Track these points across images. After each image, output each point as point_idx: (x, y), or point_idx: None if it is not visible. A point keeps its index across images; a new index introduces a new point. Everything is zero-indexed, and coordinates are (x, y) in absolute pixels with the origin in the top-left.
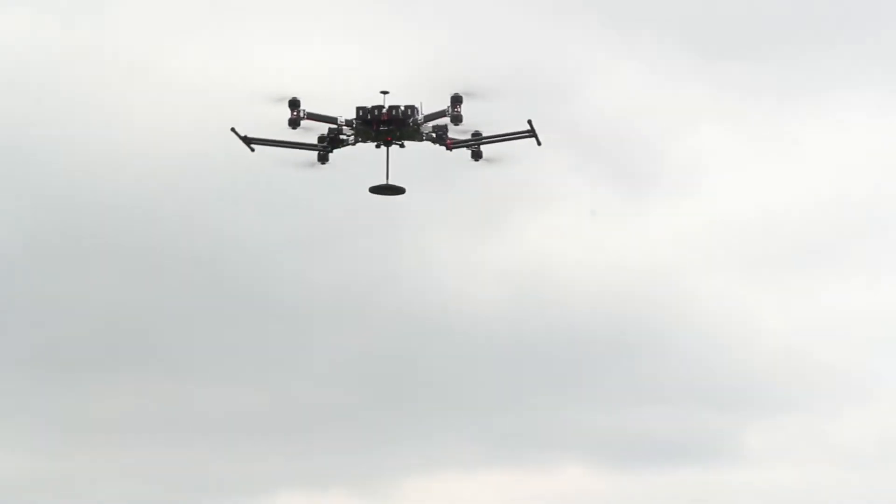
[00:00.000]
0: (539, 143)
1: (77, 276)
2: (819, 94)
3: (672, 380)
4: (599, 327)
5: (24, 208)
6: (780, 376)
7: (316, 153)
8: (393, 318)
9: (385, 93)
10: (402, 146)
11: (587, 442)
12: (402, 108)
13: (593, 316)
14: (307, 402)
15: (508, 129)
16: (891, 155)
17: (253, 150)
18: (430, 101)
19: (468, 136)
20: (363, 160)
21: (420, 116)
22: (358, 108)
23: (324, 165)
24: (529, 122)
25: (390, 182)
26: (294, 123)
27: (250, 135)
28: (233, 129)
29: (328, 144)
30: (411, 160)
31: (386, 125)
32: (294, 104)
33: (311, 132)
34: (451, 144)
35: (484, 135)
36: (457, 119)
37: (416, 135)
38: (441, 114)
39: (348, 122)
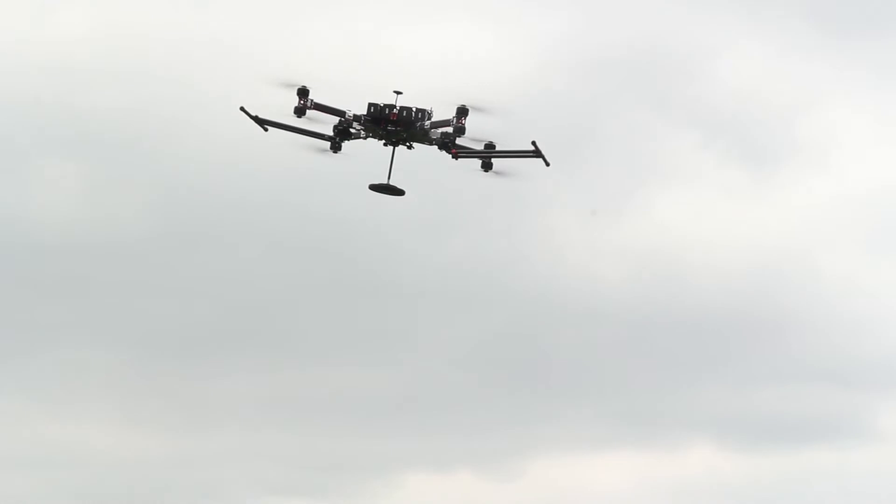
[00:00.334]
0: (547, 164)
1: (203, 261)
2: None
3: (803, 358)
4: (727, 306)
5: (147, 196)
6: None
7: (329, 141)
8: (519, 299)
9: (398, 93)
10: (409, 147)
11: (717, 422)
12: (414, 111)
13: (721, 295)
14: (433, 383)
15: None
16: None
17: (266, 129)
18: (559, 81)
19: (481, 147)
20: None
21: (428, 122)
22: (370, 105)
23: (335, 154)
24: (533, 143)
25: (391, 182)
26: (300, 112)
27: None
28: (242, 109)
29: (338, 136)
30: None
31: (394, 125)
32: (303, 93)
33: (318, 123)
34: (457, 153)
35: (497, 148)
36: (460, 131)
37: (423, 138)
38: (447, 122)
39: (357, 118)
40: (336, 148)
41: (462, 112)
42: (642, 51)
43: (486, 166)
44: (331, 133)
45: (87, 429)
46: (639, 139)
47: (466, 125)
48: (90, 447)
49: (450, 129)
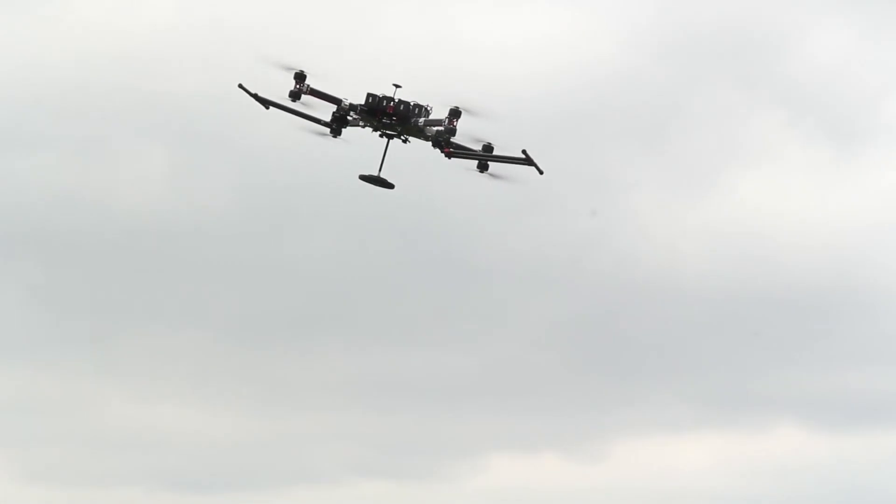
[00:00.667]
0: (541, 172)
1: (288, 245)
2: None
3: (890, 338)
4: (813, 286)
5: (232, 180)
6: None
7: (327, 127)
8: (603, 281)
9: (398, 86)
10: (405, 141)
11: (803, 402)
12: (411, 105)
13: (807, 274)
14: (518, 366)
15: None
16: None
17: (267, 108)
18: (644, 60)
19: (479, 148)
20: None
21: (422, 119)
22: (368, 95)
23: (335, 139)
24: (524, 151)
25: (381, 175)
26: (295, 96)
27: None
28: (240, 86)
29: (336, 123)
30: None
31: (389, 118)
32: (300, 77)
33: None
34: (450, 153)
35: (495, 151)
36: (451, 132)
37: (417, 133)
38: (439, 122)
39: (353, 107)
40: (336, 133)
41: (455, 114)
42: (728, 29)
43: (482, 167)
44: (328, 119)
45: (174, 410)
46: (724, 118)
47: (458, 127)
48: (177, 429)
49: (442, 128)
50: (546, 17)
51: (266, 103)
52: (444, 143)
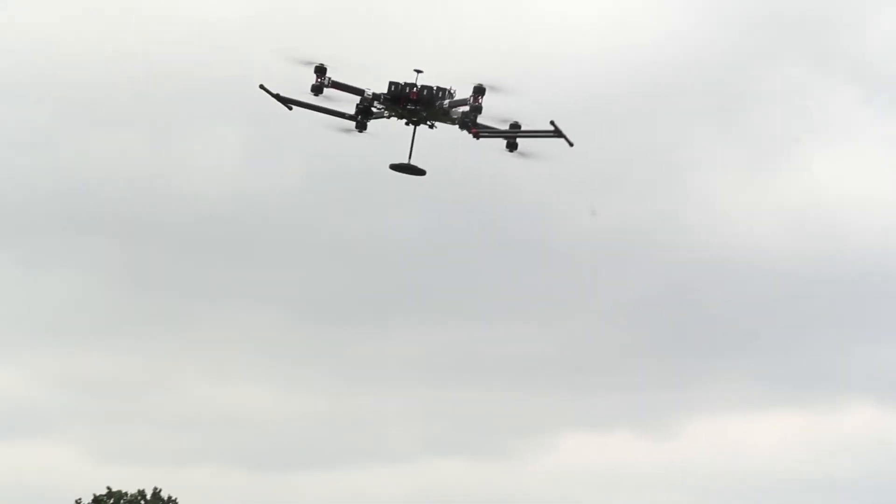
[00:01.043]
0: (571, 144)
1: (365, 223)
2: None
3: None
4: (888, 263)
5: (304, 159)
6: None
7: (352, 120)
8: (675, 259)
9: (419, 72)
10: (431, 127)
11: (877, 380)
12: (434, 89)
13: (881, 251)
14: (591, 344)
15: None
16: None
17: (290, 108)
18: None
19: (506, 127)
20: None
21: (447, 102)
22: (390, 83)
23: (361, 133)
24: (552, 122)
25: (411, 162)
26: (317, 90)
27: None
28: (262, 87)
29: (360, 115)
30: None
31: (413, 104)
32: (320, 70)
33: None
34: (477, 133)
35: (523, 128)
36: (476, 110)
37: (444, 117)
38: (465, 102)
39: (376, 96)
40: (361, 127)
41: (479, 91)
42: (802, 6)
43: (511, 147)
44: (353, 112)
45: (250, 390)
46: (798, 95)
47: (483, 104)
48: (252, 408)
49: (467, 108)
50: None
51: (288, 103)
52: (472, 123)
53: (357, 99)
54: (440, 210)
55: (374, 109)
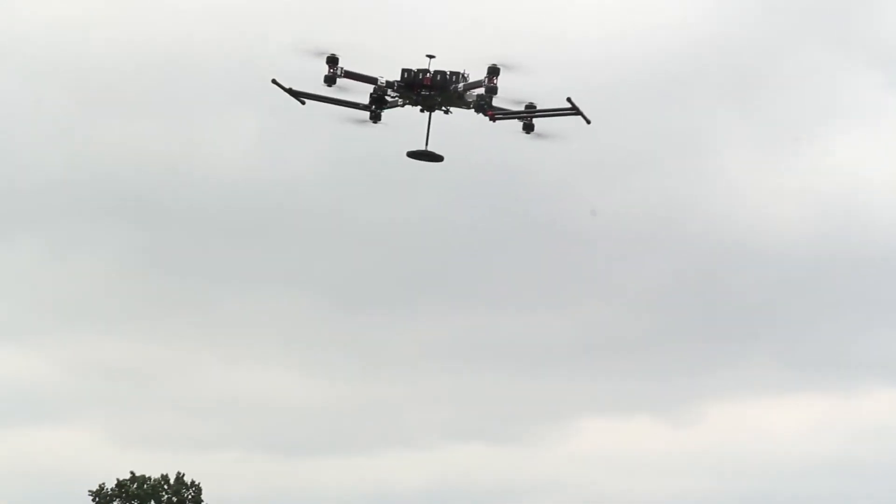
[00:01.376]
0: (588, 121)
1: (383, 209)
2: None
3: None
4: None
5: (323, 144)
6: None
7: (366, 111)
8: (698, 243)
9: (431, 57)
10: (446, 112)
11: None
12: (447, 74)
13: None
14: (612, 329)
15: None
16: None
17: (303, 103)
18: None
19: (521, 108)
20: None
21: (461, 85)
22: (403, 70)
23: (375, 124)
24: (569, 99)
25: (429, 149)
26: (330, 80)
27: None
28: (274, 81)
29: (374, 105)
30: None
31: (428, 90)
32: (332, 61)
33: (350, 91)
34: (494, 115)
35: (538, 108)
36: (492, 91)
37: (459, 102)
38: (479, 84)
39: (390, 84)
40: (376, 118)
41: (493, 71)
42: None
43: (528, 128)
44: (366, 102)
45: (271, 375)
46: (820, 79)
47: (498, 85)
48: (274, 393)
49: (482, 90)
50: None
51: (301, 97)
52: (487, 106)
53: (370, 88)
54: (459, 196)
55: (387, 98)
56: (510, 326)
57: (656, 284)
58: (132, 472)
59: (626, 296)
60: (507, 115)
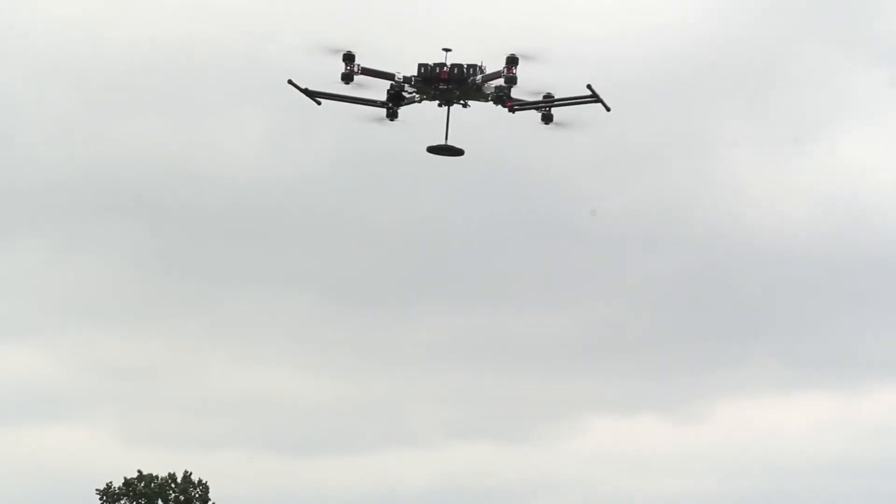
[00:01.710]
0: (608, 109)
1: (389, 208)
2: None
3: None
4: None
5: (330, 142)
6: None
7: (383, 108)
8: (704, 241)
9: (448, 50)
10: (465, 106)
11: None
12: (464, 67)
13: None
14: (618, 327)
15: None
16: None
17: (319, 103)
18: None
19: (539, 98)
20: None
21: (479, 77)
22: (419, 65)
23: (392, 122)
24: (589, 86)
25: (449, 143)
26: (347, 78)
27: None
28: (290, 81)
29: (392, 101)
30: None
31: (445, 83)
32: (349, 58)
33: (367, 89)
34: (513, 106)
35: (556, 97)
36: (511, 81)
37: (477, 94)
38: (498, 74)
39: (407, 79)
40: (392, 115)
41: (512, 61)
42: None
43: (547, 119)
44: (383, 99)
45: (276, 374)
46: (826, 78)
47: (517, 75)
48: (278, 392)
49: (501, 81)
50: None
51: (316, 97)
52: (506, 97)
53: (387, 85)
54: (462, 196)
55: (405, 94)
56: (514, 325)
57: (660, 283)
58: (139, 471)
59: (631, 294)
60: (527, 105)
